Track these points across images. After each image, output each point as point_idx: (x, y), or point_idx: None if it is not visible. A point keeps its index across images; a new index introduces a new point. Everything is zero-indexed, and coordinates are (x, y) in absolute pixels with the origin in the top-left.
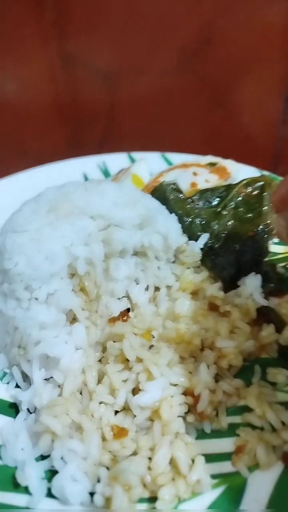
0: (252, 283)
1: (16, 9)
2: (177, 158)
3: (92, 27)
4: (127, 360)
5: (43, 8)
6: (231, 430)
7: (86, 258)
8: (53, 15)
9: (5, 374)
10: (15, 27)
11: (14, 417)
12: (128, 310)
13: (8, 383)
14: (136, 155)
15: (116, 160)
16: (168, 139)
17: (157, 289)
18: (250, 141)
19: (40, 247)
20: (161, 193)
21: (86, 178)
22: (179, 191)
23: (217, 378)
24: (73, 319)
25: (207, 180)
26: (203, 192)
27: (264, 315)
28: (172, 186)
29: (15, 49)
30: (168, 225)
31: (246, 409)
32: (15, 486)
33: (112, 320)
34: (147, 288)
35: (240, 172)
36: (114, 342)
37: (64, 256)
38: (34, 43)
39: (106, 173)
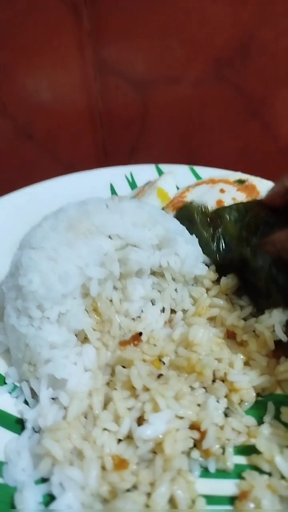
0: (277, 317)
1: (53, 19)
2: (206, 172)
3: (126, 36)
4: (134, 387)
5: (79, 18)
6: (237, 472)
7: (100, 279)
8: (89, 25)
9: (15, 387)
10: (52, 36)
11: (20, 433)
12: (140, 334)
13: (17, 397)
14: (164, 167)
15: (143, 172)
16: (200, 150)
17: (173, 311)
18: (285, 155)
19: (55, 266)
20: (189, 213)
21: (112, 188)
22: (207, 214)
23: (226, 411)
24: (85, 338)
25: (234, 198)
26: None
27: (283, 348)
28: (201, 207)
29: (51, 58)
30: (187, 248)
31: (255, 450)
32: (12, 507)
33: (123, 343)
34: (163, 310)
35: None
36: (123, 367)
37: (78, 277)
38: (69, 52)
39: (133, 184)
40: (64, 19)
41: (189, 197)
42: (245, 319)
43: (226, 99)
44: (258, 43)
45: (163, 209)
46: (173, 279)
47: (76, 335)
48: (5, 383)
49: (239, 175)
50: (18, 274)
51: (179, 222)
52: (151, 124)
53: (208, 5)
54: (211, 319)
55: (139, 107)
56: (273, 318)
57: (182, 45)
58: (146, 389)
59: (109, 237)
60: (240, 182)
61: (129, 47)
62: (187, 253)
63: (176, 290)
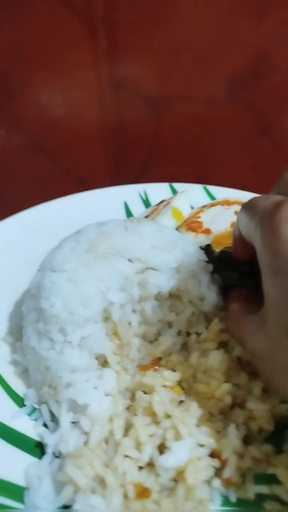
0: None
1: (70, 36)
2: (220, 192)
3: (141, 55)
4: (155, 414)
5: (96, 37)
6: (258, 502)
7: (121, 304)
8: (105, 44)
9: (34, 410)
10: (68, 53)
11: (39, 457)
12: (159, 359)
13: (36, 420)
14: (178, 186)
15: (157, 190)
16: (211, 167)
17: (188, 334)
18: None
19: (77, 290)
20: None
21: (126, 207)
22: None
23: (245, 439)
24: (104, 362)
25: None
26: None
27: None
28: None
29: (67, 74)
30: (205, 272)
31: (275, 479)
32: None
33: (143, 368)
34: (179, 333)
35: None
36: (144, 393)
37: (100, 301)
38: (85, 69)
39: (147, 203)
40: (81, 37)
41: (203, 217)
42: None
43: (237, 117)
44: (271, 63)
45: (177, 228)
46: (190, 302)
47: (96, 359)
48: (23, 405)
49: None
50: (40, 297)
51: (197, 246)
52: (163, 140)
53: (222, 25)
54: (223, 344)
55: (151, 124)
56: None
57: (195, 64)
58: (168, 416)
59: (129, 260)
60: None
61: (143, 65)
62: (205, 276)
63: (193, 313)
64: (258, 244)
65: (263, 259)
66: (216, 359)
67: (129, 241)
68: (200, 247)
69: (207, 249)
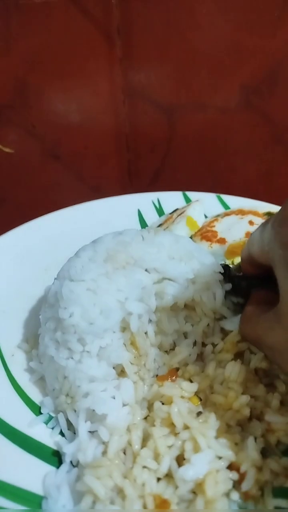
0: None
1: (87, 45)
2: (233, 201)
3: (156, 63)
4: (173, 424)
5: (112, 46)
6: None
7: (139, 314)
8: (121, 53)
9: (50, 418)
10: (84, 61)
11: (56, 466)
12: (177, 369)
13: (53, 428)
14: (191, 194)
15: (171, 199)
16: (224, 174)
17: (204, 344)
18: None
19: (96, 299)
20: None
21: (140, 215)
22: None
23: (263, 451)
24: (121, 372)
25: None
26: None
27: None
28: None
29: (82, 81)
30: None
31: None
32: None
33: (161, 379)
34: (195, 343)
35: None
36: (162, 403)
37: (119, 312)
38: (100, 77)
39: (160, 211)
40: (97, 46)
41: (218, 227)
42: None
43: (251, 125)
44: (286, 72)
45: (191, 237)
46: (205, 314)
47: (113, 369)
48: (40, 413)
49: (268, 207)
50: (58, 306)
51: (213, 257)
52: (176, 148)
53: (237, 34)
54: (239, 355)
55: (165, 132)
56: None
57: (210, 72)
58: (186, 427)
59: (146, 270)
60: (269, 215)
61: (158, 73)
62: (219, 289)
63: (208, 324)
64: (271, 243)
65: (276, 254)
66: (233, 370)
67: (147, 252)
68: (221, 265)
69: (225, 270)
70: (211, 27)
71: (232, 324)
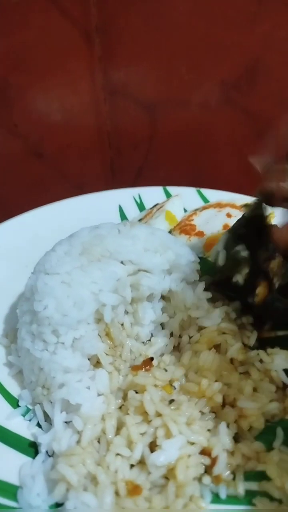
0: (279, 363)
1: (66, 43)
2: (213, 195)
3: (135, 61)
4: (146, 412)
5: (91, 45)
6: (248, 498)
7: (113, 305)
8: (100, 51)
9: (28, 410)
10: (64, 60)
11: (33, 457)
12: (151, 359)
13: (30, 420)
14: (172, 189)
15: (151, 194)
16: (206, 171)
17: (180, 336)
18: None
19: (70, 292)
20: None
21: (121, 210)
22: None
23: (236, 437)
24: (97, 363)
25: None
26: None
27: None
28: None
29: (63, 80)
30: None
31: (265, 476)
32: None
33: (135, 368)
34: (171, 335)
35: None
36: (135, 392)
37: (92, 303)
38: (80, 75)
39: (141, 206)
40: (76, 45)
41: (196, 220)
42: (251, 347)
43: (232, 121)
44: (265, 68)
45: (170, 231)
46: (179, 308)
47: (88, 360)
48: (18, 406)
49: (246, 199)
50: (34, 299)
51: (189, 248)
52: (158, 145)
53: (215, 31)
54: (216, 346)
55: (147, 129)
56: (276, 363)
57: (190, 69)
58: (159, 415)
59: (122, 262)
60: (247, 206)
61: (138, 71)
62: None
63: (183, 319)
64: None
65: None
66: (207, 359)
67: (122, 244)
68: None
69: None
70: (189, 25)
71: (209, 320)
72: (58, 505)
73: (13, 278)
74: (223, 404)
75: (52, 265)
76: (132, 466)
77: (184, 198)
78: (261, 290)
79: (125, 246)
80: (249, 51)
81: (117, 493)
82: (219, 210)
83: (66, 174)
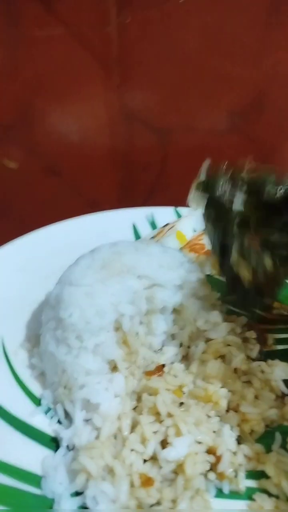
0: (278, 373)
1: (86, 72)
2: None
3: (150, 89)
4: (159, 413)
5: (110, 74)
6: (248, 494)
7: (130, 316)
8: (118, 80)
9: (49, 409)
10: (84, 86)
11: (54, 450)
12: (163, 366)
13: (51, 418)
14: (182, 210)
15: (163, 213)
16: None
17: (189, 347)
18: None
19: (92, 302)
20: None
21: (135, 228)
22: None
23: (238, 439)
24: (114, 367)
25: None
26: None
27: None
28: None
29: (82, 105)
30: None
31: (264, 475)
32: None
33: (149, 373)
34: (181, 345)
35: None
36: (149, 395)
37: (112, 313)
38: (98, 100)
39: (153, 225)
40: (96, 73)
41: (205, 240)
42: (253, 359)
43: (238, 147)
44: (269, 99)
45: (180, 250)
46: (189, 321)
47: (107, 364)
48: (40, 404)
49: None
50: (59, 308)
51: (198, 265)
52: (169, 167)
53: (224, 64)
54: (222, 357)
55: (158, 152)
56: (275, 374)
57: (199, 98)
58: (170, 415)
59: (138, 277)
60: None
61: (152, 98)
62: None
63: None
64: None
65: None
66: (213, 367)
67: (139, 260)
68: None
69: None
70: (199, 58)
71: (216, 333)
72: (78, 493)
73: (32, 288)
74: (227, 409)
75: (76, 277)
76: (145, 461)
77: (194, 219)
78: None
79: (141, 262)
80: (255, 83)
81: (131, 484)
82: None
83: (81, 191)
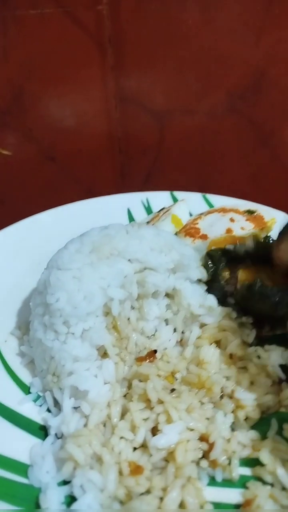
0: (275, 359)
1: (80, 53)
2: (218, 200)
3: (146, 70)
4: (149, 400)
5: (104, 54)
6: (241, 482)
7: (120, 300)
8: (113, 61)
9: (39, 397)
10: (78, 69)
11: (43, 439)
12: (155, 351)
13: (40, 405)
14: (178, 194)
15: (159, 198)
16: (212, 177)
17: (183, 332)
18: None
19: (80, 286)
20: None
21: (130, 213)
22: None
23: (233, 426)
24: (104, 354)
25: (242, 227)
26: None
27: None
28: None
29: (76, 88)
30: (199, 274)
31: (259, 462)
32: (37, 507)
33: (140, 359)
34: (175, 330)
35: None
36: (139, 381)
37: (101, 297)
38: (93, 83)
39: (148, 210)
40: (90, 54)
41: (201, 224)
42: (249, 344)
43: (237, 129)
44: (269, 79)
45: (176, 234)
46: (183, 306)
47: (96, 350)
48: (29, 392)
49: (249, 205)
50: (46, 293)
51: (192, 249)
52: (166, 151)
53: (223, 44)
54: (217, 342)
55: (155, 136)
56: (272, 359)
57: (198, 79)
58: (160, 402)
59: (129, 260)
60: (249, 212)
61: (149, 80)
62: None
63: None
64: None
65: None
66: (207, 353)
67: (130, 243)
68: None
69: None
70: (197, 37)
71: (211, 318)
72: (66, 482)
73: (25, 275)
74: (222, 395)
75: (64, 261)
76: (135, 449)
77: (190, 202)
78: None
79: (132, 245)
80: (255, 63)
81: (120, 473)
82: (223, 215)
83: (77, 177)
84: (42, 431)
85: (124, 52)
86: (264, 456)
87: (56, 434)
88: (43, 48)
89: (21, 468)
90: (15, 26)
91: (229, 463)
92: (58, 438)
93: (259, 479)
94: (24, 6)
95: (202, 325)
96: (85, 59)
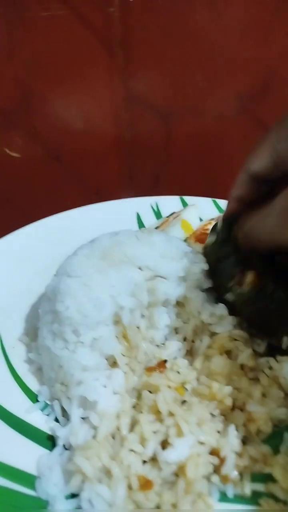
0: (287, 370)
1: (89, 54)
2: None
3: (155, 71)
4: (159, 412)
5: (113, 56)
6: (254, 498)
7: (130, 309)
8: (122, 62)
9: (46, 405)
10: (86, 69)
11: (50, 449)
12: (165, 361)
13: (48, 415)
14: (188, 199)
15: (168, 203)
16: (220, 179)
17: (193, 341)
18: None
19: (90, 294)
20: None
21: (139, 218)
22: None
23: (244, 439)
24: (114, 363)
25: None
26: None
27: None
28: None
29: (84, 89)
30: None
31: (271, 478)
32: None
33: (150, 369)
34: (185, 339)
35: None
36: (149, 392)
37: (111, 306)
38: (101, 83)
39: (158, 214)
40: (98, 55)
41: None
42: (261, 354)
43: (247, 132)
44: (280, 79)
45: (186, 239)
46: (193, 314)
47: (106, 359)
48: (37, 401)
49: None
50: (56, 300)
51: (203, 257)
52: (174, 153)
53: (231, 43)
54: (227, 352)
55: (164, 137)
56: (285, 371)
57: (206, 80)
58: (171, 414)
59: (139, 268)
60: None
61: (157, 80)
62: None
63: (197, 325)
64: None
65: None
66: (219, 364)
67: (140, 250)
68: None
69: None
70: (206, 37)
71: (221, 327)
72: (74, 495)
73: (33, 280)
74: (233, 408)
75: (73, 268)
76: (144, 462)
77: (200, 208)
78: (250, 279)
79: (143, 252)
80: (264, 62)
81: (129, 487)
82: None
83: (84, 179)
84: (49, 441)
85: (133, 54)
86: (277, 472)
87: (64, 445)
88: (51, 48)
89: (28, 480)
90: (23, 26)
91: (241, 479)
92: (66, 449)
93: (272, 495)
94: (35, 8)
95: (212, 334)
96: (94, 61)
